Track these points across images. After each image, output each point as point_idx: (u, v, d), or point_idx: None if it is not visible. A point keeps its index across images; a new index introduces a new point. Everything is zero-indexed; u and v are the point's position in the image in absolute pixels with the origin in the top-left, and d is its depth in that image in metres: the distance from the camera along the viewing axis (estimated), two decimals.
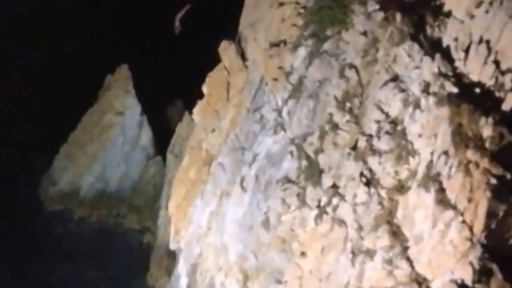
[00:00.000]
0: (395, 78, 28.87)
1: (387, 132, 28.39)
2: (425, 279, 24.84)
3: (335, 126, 31.50)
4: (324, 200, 31.00)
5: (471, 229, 23.27)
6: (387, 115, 28.79)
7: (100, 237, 55.84)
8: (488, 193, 22.99)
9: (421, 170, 25.92)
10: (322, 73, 33.28)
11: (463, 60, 26.30)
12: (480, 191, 23.18)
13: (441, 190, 24.59)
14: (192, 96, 47.14)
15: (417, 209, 25.55)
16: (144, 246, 55.70)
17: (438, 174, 24.92)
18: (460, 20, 26.91)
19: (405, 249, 25.98)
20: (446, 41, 27.39)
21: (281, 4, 37.37)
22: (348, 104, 31.26)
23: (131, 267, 52.40)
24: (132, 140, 59.76)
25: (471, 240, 23.17)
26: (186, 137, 51.53)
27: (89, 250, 53.68)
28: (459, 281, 23.21)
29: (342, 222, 29.60)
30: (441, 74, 26.42)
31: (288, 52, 35.94)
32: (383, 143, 28.46)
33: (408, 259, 25.71)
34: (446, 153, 24.71)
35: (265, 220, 34.87)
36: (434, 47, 27.69)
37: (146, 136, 60.40)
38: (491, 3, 25.85)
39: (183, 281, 42.55)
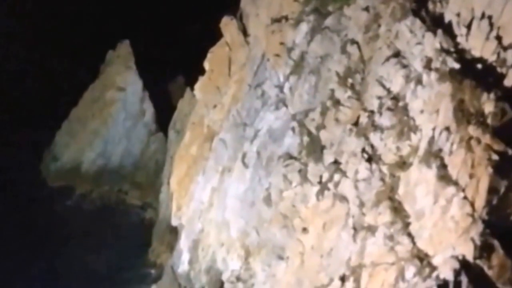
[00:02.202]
0: (397, 54, 28.80)
1: (388, 108, 28.35)
2: (426, 255, 24.88)
3: (336, 102, 31.48)
4: (325, 176, 31.03)
5: (472, 205, 23.28)
6: (388, 91, 28.74)
7: (102, 213, 55.99)
8: (490, 169, 22.97)
9: (423, 146, 25.90)
10: (323, 48, 33.22)
11: (465, 36, 26.20)
12: (481, 167, 23.17)
13: (443, 166, 24.57)
14: (194, 72, 47.09)
15: (419, 185, 25.56)
16: (146, 222, 55.87)
17: (440, 150, 24.90)
18: None
19: (406, 225, 26.02)
20: (448, 17, 27.26)
21: None
22: (349, 80, 31.22)
23: (133, 243, 52.59)
24: (133, 116, 59.78)
25: (472, 216, 23.18)
26: (187, 113, 51.53)
27: (91, 226, 53.83)
28: (460, 257, 23.26)
29: (343, 198, 29.64)
30: (443, 50, 26.33)
31: (290, 28, 35.85)
32: (384, 119, 28.43)
33: (410, 235, 25.75)
34: (447, 129, 24.68)
35: (266, 196, 34.95)
36: (436, 23, 27.59)
37: (148, 112, 60.40)
38: None
39: (185, 256, 42.68)
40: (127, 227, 54.72)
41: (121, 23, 66.85)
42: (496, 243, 22.99)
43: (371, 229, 27.61)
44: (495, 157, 23.03)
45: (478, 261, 22.96)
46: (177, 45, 65.13)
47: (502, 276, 22.80)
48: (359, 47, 31.23)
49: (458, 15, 26.66)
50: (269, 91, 36.61)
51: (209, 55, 44.21)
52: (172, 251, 46.10)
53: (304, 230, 31.90)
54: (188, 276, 42.08)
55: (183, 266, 42.77)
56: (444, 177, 24.37)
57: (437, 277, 23.65)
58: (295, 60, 34.98)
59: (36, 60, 67.13)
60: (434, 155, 25.07)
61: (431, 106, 25.97)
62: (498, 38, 25.04)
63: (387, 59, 29.07)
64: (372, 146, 28.94)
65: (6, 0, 69.94)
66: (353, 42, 31.59)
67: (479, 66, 25.36)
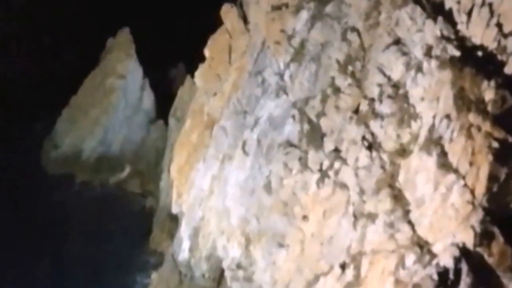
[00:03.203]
0: (397, 42, 28.75)
1: (389, 96, 28.31)
2: (426, 243, 24.86)
3: (337, 90, 31.44)
4: (326, 164, 31.00)
5: (472, 192, 23.26)
6: (389, 78, 28.69)
7: (103, 201, 56.00)
8: (490, 157, 22.95)
9: (423, 134, 25.88)
10: (324, 36, 33.15)
11: (465, 23, 26.14)
12: (481, 155, 23.15)
13: (443, 154, 24.54)
14: (194, 59, 47.07)
15: (419, 173, 25.54)
16: (146, 210, 55.93)
17: (440, 137, 24.87)
18: None
19: (406, 212, 25.99)
20: (449, 4, 27.19)
21: None
22: (350, 68, 31.17)
23: (134, 230, 52.66)
24: (134, 104, 59.83)
25: (472, 203, 23.16)
26: (188, 101, 51.53)
27: (91, 214, 53.87)
28: (460, 245, 23.23)
29: (344, 186, 29.62)
30: (443, 37, 26.28)
31: (290, 15, 35.77)
32: (385, 107, 28.39)
33: (410, 223, 25.73)
34: (448, 116, 24.64)
35: (267, 183, 34.94)
36: (436, 10, 27.52)
37: (148, 99, 60.47)
38: None
39: (186, 244, 42.72)
40: (128, 215, 54.77)
41: (121, 10, 66.78)
42: (496, 230, 22.96)
43: (371, 217, 27.60)
44: (495, 144, 23.01)
45: (478, 249, 22.94)
46: (177, 32, 65.10)
47: (502, 264, 22.78)
48: (359, 35, 31.17)
49: (459, 2, 26.59)
50: (270, 78, 36.56)
51: (209, 43, 44.19)
52: (173, 238, 46.15)
53: (305, 217, 31.90)
54: (189, 263, 42.16)
55: (183, 254, 42.81)
56: (445, 164, 24.34)
57: (437, 264, 23.61)
58: (295, 47, 34.92)
59: (37, 49, 67.13)
60: (434, 143, 25.04)
61: (432, 94, 25.94)
62: (499, 26, 24.98)
63: (388, 47, 29.02)
64: (372, 134, 28.90)
65: None
66: (354, 29, 31.53)
67: (480, 53, 25.32)
